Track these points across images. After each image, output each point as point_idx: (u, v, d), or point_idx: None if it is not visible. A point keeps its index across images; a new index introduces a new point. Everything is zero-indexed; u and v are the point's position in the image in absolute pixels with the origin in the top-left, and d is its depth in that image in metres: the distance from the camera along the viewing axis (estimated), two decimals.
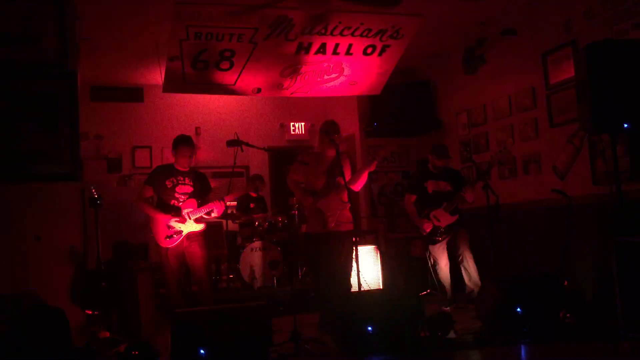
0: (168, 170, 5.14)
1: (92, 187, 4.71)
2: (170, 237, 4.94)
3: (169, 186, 5.05)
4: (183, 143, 5.12)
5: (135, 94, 8.74)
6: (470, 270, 5.63)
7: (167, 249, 4.95)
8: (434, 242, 5.77)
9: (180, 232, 4.95)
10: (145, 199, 5.11)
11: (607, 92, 4.34)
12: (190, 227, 4.99)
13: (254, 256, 6.79)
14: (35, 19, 4.73)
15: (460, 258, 5.68)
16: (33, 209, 4.66)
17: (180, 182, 5.08)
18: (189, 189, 5.09)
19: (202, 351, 3.73)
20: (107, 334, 4.46)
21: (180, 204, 5.02)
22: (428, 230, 5.74)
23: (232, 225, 7.48)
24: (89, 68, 7.35)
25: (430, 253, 5.85)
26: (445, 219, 5.70)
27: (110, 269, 4.69)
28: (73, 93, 4.86)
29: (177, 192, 5.05)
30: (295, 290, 6.34)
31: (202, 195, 5.15)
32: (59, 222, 4.72)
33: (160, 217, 4.96)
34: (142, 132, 8.74)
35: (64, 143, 4.77)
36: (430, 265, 5.91)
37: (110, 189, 7.54)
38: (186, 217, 4.97)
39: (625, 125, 4.37)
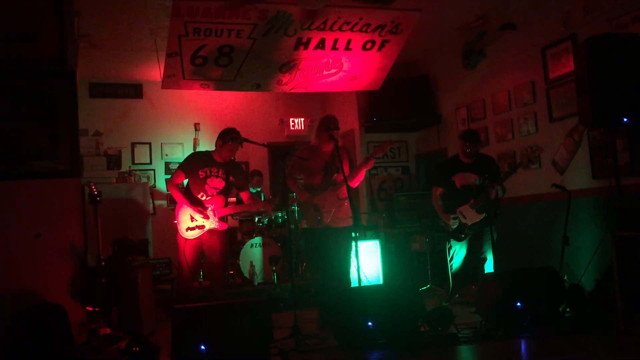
0: (204, 159, 5.02)
1: (92, 184, 4.70)
2: (192, 229, 4.91)
3: (201, 176, 4.96)
4: (233, 139, 4.95)
5: (135, 90, 8.74)
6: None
7: (187, 240, 4.93)
8: (458, 239, 5.58)
9: (203, 226, 4.92)
10: (177, 184, 5.00)
11: (607, 86, 4.34)
12: (213, 224, 4.95)
13: (253, 252, 6.79)
14: (34, 16, 4.71)
15: (483, 256, 5.53)
16: (33, 206, 4.66)
17: (213, 174, 4.98)
18: (220, 183, 4.99)
19: (202, 347, 3.73)
20: (108, 331, 4.47)
21: (208, 198, 4.98)
22: (454, 227, 5.53)
23: (231, 221, 7.49)
24: (88, 65, 7.35)
25: (451, 246, 5.68)
26: (471, 217, 5.46)
27: (110, 266, 4.69)
28: (72, 90, 4.85)
29: (208, 185, 4.96)
30: (296, 286, 6.35)
31: (231, 192, 5.04)
32: (59, 218, 4.72)
33: (187, 208, 4.92)
34: (142, 129, 8.73)
35: (63, 140, 4.77)
36: (448, 259, 5.78)
37: (110, 186, 7.55)
38: (210, 214, 4.93)
39: (625, 120, 4.37)
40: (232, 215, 7.28)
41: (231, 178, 5.05)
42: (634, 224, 4.22)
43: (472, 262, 5.68)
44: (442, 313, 4.45)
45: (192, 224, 4.90)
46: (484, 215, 5.37)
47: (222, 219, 4.95)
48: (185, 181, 5.08)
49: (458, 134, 7.47)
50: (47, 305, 4.43)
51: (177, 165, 5.21)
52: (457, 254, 5.65)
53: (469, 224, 5.47)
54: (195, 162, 4.99)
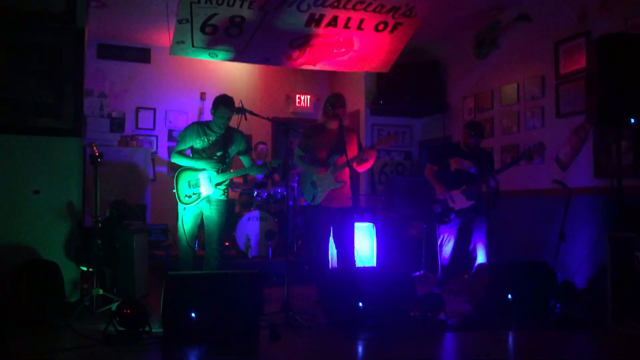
0: (202, 129, 4.98)
1: (94, 145, 4.70)
2: (189, 196, 4.90)
3: (198, 146, 4.96)
4: (223, 104, 4.89)
5: (142, 54, 8.68)
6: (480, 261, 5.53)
7: (185, 207, 4.92)
8: (444, 223, 5.56)
9: (199, 194, 4.91)
10: (179, 151, 4.98)
11: (616, 85, 4.31)
12: (210, 191, 4.92)
13: (251, 225, 6.81)
14: None
15: (472, 247, 5.52)
16: (33, 162, 4.66)
17: (211, 142, 4.97)
18: (218, 151, 4.99)
19: (193, 314, 3.76)
20: (100, 291, 4.50)
21: None
22: (440, 209, 5.54)
23: (231, 194, 7.48)
24: (97, 25, 7.29)
25: (439, 232, 5.68)
26: (460, 202, 5.45)
27: (106, 227, 4.70)
28: (80, 48, 4.82)
29: (207, 153, 4.95)
30: (290, 262, 6.37)
31: (231, 160, 5.03)
32: (59, 177, 4.73)
33: (186, 172, 4.92)
34: (147, 94, 8.69)
35: (68, 98, 4.75)
36: (437, 243, 5.78)
37: (112, 148, 7.54)
38: (206, 180, 4.90)
39: (632, 121, 4.35)
40: (231, 185, 7.29)
41: (231, 146, 5.02)
42: (631, 226, 4.21)
43: (463, 251, 5.69)
44: (433, 299, 4.47)
45: (189, 191, 4.89)
46: (473, 202, 5.42)
47: (218, 186, 4.93)
48: (187, 148, 5.04)
49: (464, 122, 7.47)
50: (42, 261, 4.46)
51: (179, 133, 5.20)
52: (447, 241, 5.63)
53: (456, 209, 5.48)
54: (195, 131, 4.97)
